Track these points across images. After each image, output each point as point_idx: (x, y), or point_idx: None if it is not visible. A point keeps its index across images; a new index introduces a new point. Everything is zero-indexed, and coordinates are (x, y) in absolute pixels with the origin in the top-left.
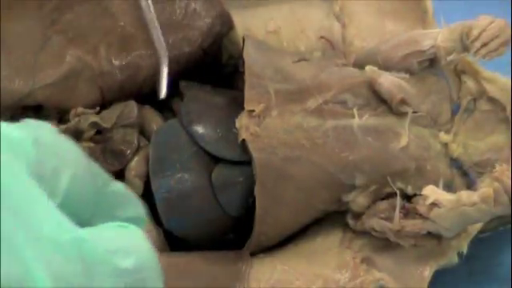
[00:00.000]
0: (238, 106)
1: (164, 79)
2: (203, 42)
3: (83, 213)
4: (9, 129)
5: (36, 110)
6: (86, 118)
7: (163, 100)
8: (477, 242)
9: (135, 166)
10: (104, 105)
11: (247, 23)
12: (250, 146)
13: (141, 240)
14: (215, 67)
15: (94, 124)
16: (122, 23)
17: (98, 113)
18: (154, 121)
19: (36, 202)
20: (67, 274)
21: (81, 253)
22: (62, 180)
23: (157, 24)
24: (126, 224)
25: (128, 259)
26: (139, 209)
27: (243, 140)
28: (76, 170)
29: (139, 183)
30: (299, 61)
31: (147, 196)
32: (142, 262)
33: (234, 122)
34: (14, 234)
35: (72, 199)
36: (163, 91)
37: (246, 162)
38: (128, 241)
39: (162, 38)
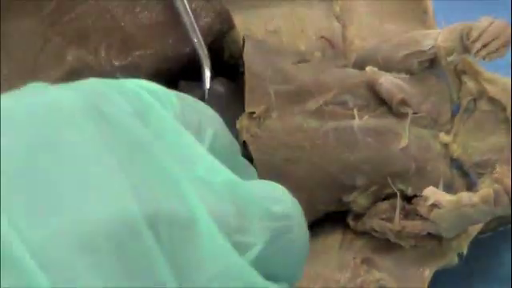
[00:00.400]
0: (239, 105)
1: (207, 83)
2: (203, 41)
3: None
4: (149, 83)
5: None
6: None
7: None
8: (477, 243)
9: None
10: None
11: (247, 23)
12: (251, 148)
13: (285, 191)
14: (217, 66)
15: None
16: (122, 23)
17: None
18: None
19: (188, 145)
20: (221, 212)
21: (233, 194)
22: (205, 135)
23: (197, 29)
24: (266, 181)
25: (278, 205)
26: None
27: (244, 141)
28: (217, 129)
29: None
30: (299, 62)
31: None
32: (290, 210)
33: (235, 123)
34: (172, 171)
35: (214, 155)
36: (206, 93)
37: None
38: (275, 190)
39: (203, 44)
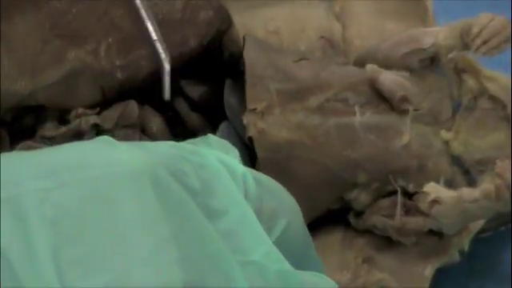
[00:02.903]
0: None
1: (167, 79)
2: (203, 39)
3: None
4: (231, 160)
5: (37, 111)
6: (87, 120)
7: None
8: (478, 242)
9: None
10: (105, 104)
11: (247, 23)
12: (256, 144)
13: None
14: (217, 65)
15: (94, 125)
16: (122, 24)
17: (98, 113)
18: (153, 121)
19: (250, 229)
20: None
21: (284, 283)
22: (278, 224)
23: (155, 24)
24: (322, 275)
25: None
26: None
27: (249, 137)
28: (291, 219)
29: None
30: (300, 60)
31: None
32: None
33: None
34: (223, 255)
35: (281, 246)
36: (167, 92)
37: None
38: (327, 283)
39: (161, 38)
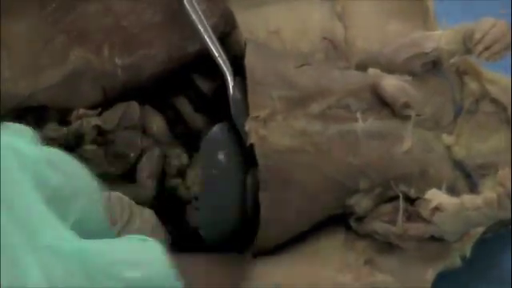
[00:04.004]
0: None
1: (230, 87)
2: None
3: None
4: (25, 145)
5: (38, 112)
6: (88, 121)
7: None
8: (478, 244)
9: (145, 167)
10: (106, 105)
11: (249, 24)
12: (257, 151)
13: (156, 253)
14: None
15: (96, 126)
16: (125, 23)
17: (99, 114)
18: (154, 121)
19: (38, 214)
20: (69, 284)
21: (83, 263)
22: (75, 205)
23: (215, 40)
24: (145, 237)
25: (136, 270)
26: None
27: (251, 144)
28: (90, 199)
29: (151, 184)
30: (301, 66)
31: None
32: (153, 274)
33: None
34: (15, 244)
35: (81, 227)
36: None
37: None
38: (140, 253)
39: (223, 54)
